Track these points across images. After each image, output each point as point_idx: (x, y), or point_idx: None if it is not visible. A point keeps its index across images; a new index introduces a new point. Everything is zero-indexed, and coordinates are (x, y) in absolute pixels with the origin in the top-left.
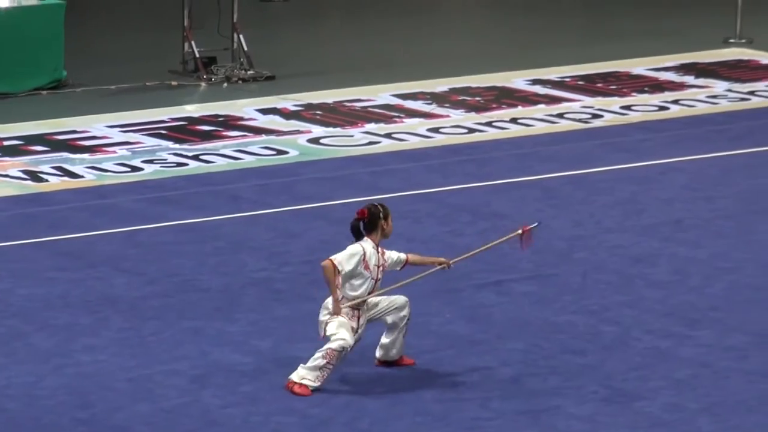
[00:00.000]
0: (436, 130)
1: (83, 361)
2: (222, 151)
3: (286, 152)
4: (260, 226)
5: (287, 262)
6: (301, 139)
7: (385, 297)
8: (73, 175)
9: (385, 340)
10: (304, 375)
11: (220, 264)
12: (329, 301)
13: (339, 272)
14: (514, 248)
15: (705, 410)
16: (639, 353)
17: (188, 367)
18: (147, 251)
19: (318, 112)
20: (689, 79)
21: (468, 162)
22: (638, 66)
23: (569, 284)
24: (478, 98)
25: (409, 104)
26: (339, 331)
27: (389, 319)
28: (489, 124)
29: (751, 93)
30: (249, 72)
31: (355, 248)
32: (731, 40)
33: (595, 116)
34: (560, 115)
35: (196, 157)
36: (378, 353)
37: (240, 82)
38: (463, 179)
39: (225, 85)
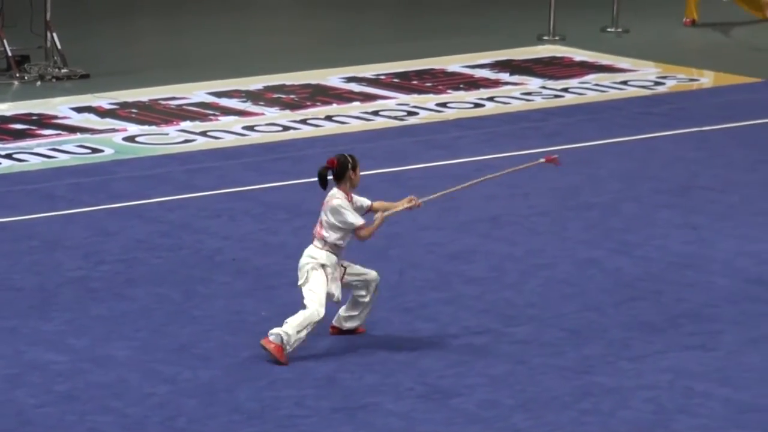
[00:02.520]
0: (251, 128)
1: None
2: (36, 150)
3: (101, 150)
4: (75, 225)
5: (103, 261)
6: (117, 138)
7: (358, 266)
8: None
9: (348, 312)
10: (283, 340)
11: (34, 263)
12: (311, 250)
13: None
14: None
15: (520, 406)
16: (455, 350)
17: (2, 366)
18: None
19: (133, 110)
20: (504, 76)
21: (283, 160)
22: (453, 63)
23: (386, 281)
24: (292, 96)
25: (224, 102)
26: (311, 300)
27: (357, 292)
28: (304, 121)
29: (565, 90)
30: (63, 70)
31: (344, 202)
32: (545, 38)
33: (411, 114)
34: (375, 113)
35: (9, 156)
36: (336, 321)
37: (54, 80)
38: (278, 177)
39: (38, 83)
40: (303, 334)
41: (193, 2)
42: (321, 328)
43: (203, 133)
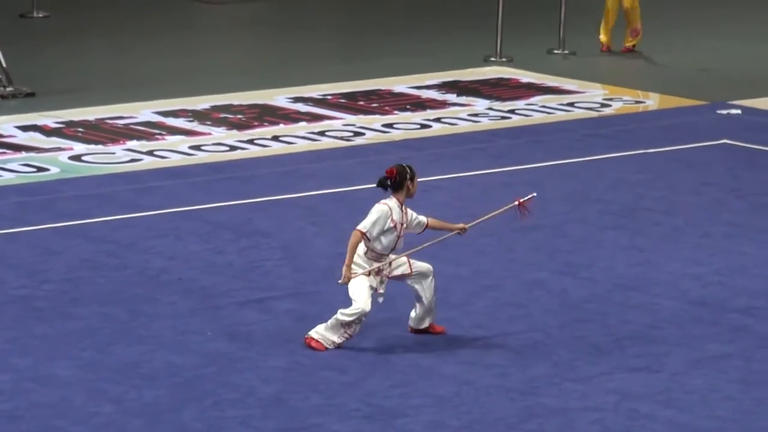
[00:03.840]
0: (197, 147)
1: None
2: None
3: (47, 169)
4: (20, 244)
5: (48, 280)
6: (63, 156)
7: (406, 258)
8: None
9: (417, 311)
10: (323, 335)
11: None
12: (358, 260)
13: (368, 239)
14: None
15: (466, 427)
16: (401, 370)
17: None
18: None
19: (79, 129)
20: (451, 97)
21: (230, 179)
22: (400, 84)
23: (331, 302)
24: (239, 116)
25: (171, 121)
26: (356, 296)
27: (416, 287)
28: (251, 141)
29: (512, 111)
30: (8, 89)
31: (380, 209)
32: (492, 59)
33: (357, 134)
34: (322, 133)
35: None
36: (411, 322)
37: None
38: (224, 197)
39: None
40: (335, 338)
41: (140, 22)
42: (268, 345)
43: (150, 153)
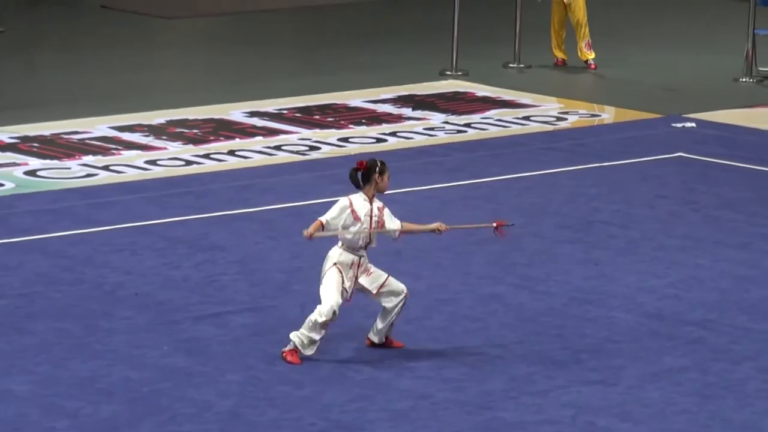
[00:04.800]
0: (153, 162)
1: None
2: None
3: (1, 185)
4: None
5: (2, 295)
6: (18, 172)
7: (383, 273)
8: None
9: (378, 324)
10: (297, 344)
11: None
12: (333, 252)
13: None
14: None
15: None
16: (358, 384)
17: None
18: None
19: (35, 144)
20: (406, 111)
21: (186, 194)
22: (355, 98)
23: (288, 316)
24: (195, 130)
25: (127, 136)
26: (325, 294)
27: (384, 303)
28: (207, 156)
29: (467, 125)
30: None
31: (340, 201)
32: (448, 73)
33: (313, 148)
34: (278, 147)
35: None
36: (370, 335)
37: None
38: (181, 211)
39: None
40: (315, 335)
41: (95, 37)
42: (224, 360)
43: (105, 168)
